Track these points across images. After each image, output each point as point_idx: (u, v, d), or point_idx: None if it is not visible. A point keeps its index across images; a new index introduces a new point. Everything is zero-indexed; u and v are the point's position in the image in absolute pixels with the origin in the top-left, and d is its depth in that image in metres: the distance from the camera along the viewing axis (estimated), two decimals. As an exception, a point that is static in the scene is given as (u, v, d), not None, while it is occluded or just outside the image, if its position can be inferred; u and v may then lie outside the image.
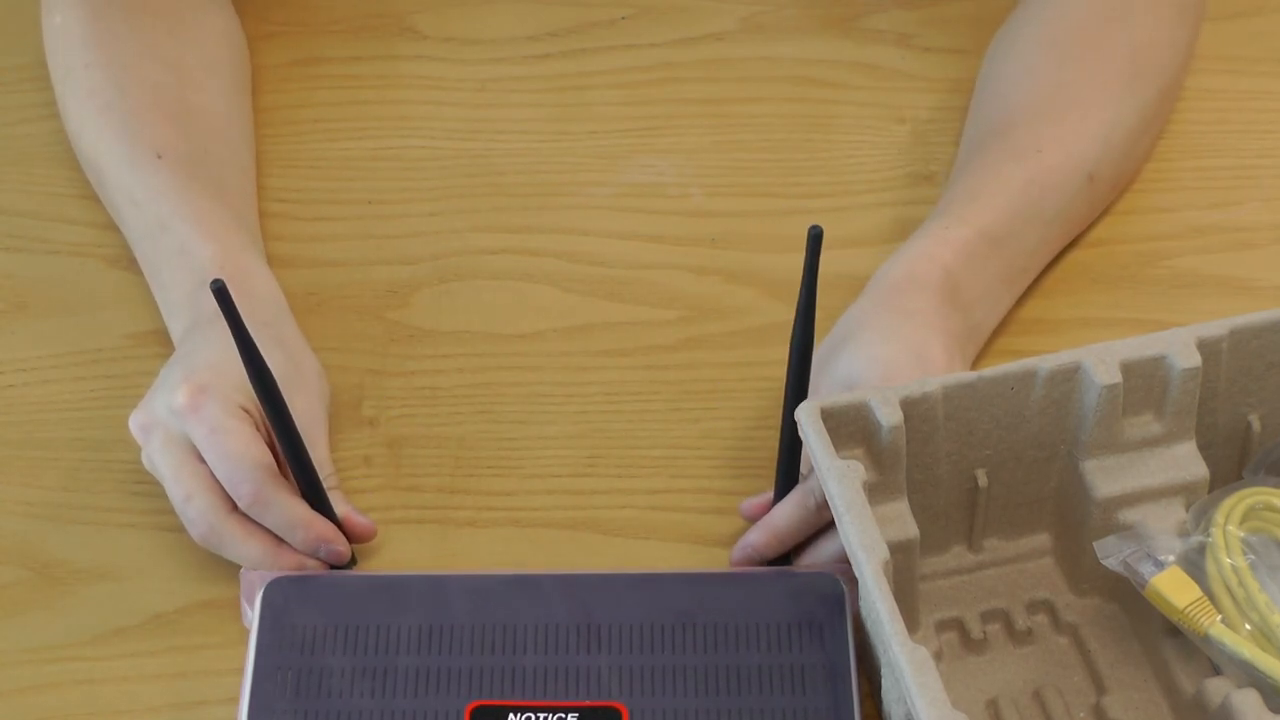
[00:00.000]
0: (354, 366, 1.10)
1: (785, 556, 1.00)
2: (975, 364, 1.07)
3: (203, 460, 0.99)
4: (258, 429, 0.99)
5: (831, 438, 0.90)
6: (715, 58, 1.26)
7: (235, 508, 0.99)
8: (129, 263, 1.13)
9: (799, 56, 1.25)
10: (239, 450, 0.98)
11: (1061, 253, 1.13)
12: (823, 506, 0.97)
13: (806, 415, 0.90)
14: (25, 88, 1.24)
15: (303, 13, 1.28)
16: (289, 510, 0.99)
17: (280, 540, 0.99)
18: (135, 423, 1.00)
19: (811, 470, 0.99)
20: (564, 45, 1.26)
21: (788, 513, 0.98)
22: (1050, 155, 1.10)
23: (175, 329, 1.07)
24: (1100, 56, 1.14)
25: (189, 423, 0.98)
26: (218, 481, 0.99)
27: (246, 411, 0.99)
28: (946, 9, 1.27)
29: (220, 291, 0.91)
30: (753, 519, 1.01)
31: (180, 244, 1.07)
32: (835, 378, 0.99)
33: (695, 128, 1.22)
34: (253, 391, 0.97)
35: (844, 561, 0.97)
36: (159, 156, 1.11)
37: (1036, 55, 1.15)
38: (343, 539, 1.00)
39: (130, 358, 1.11)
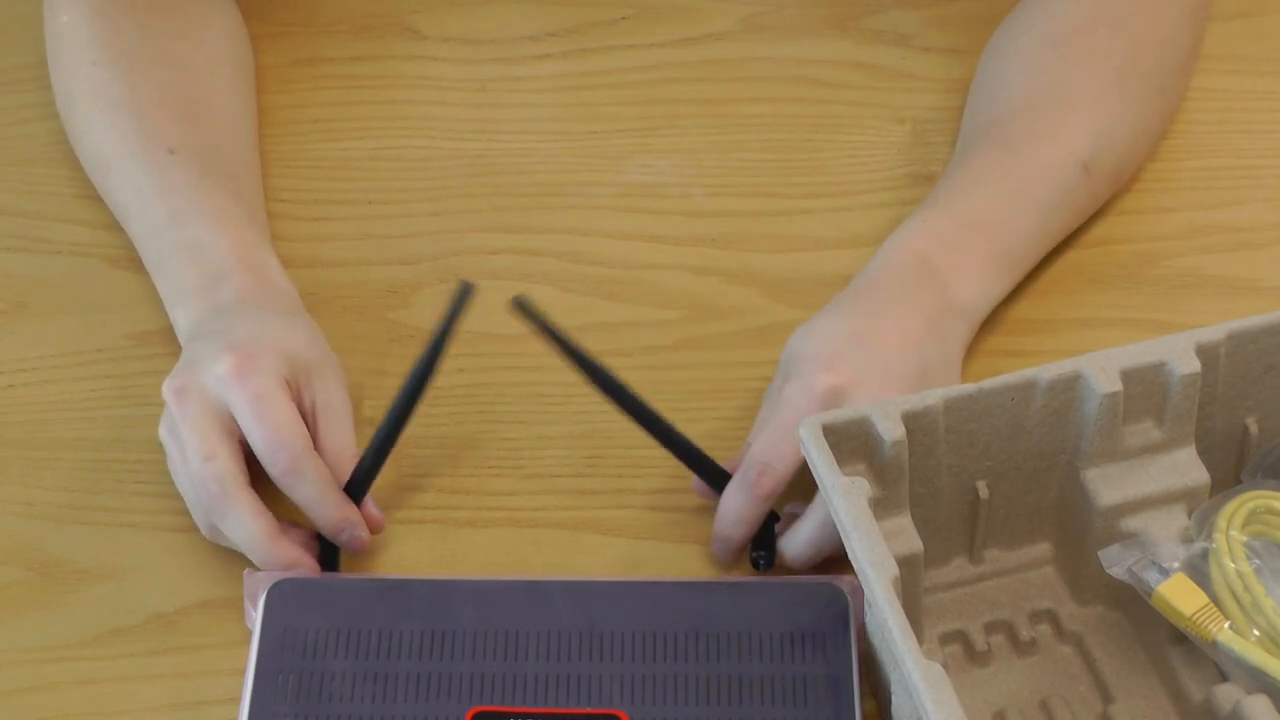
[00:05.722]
0: (354, 366, 1.10)
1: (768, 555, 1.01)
2: (973, 355, 1.07)
3: (231, 434, 0.99)
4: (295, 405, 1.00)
5: (834, 454, 0.90)
6: (715, 58, 1.26)
7: (248, 484, 0.99)
8: (129, 263, 1.13)
9: (799, 56, 1.25)
10: (282, 420, 0.98)
11: (1061, 253, 1.13)
12: (761, 475, 0.98)
13: (809, 432, 0.90)
14: (25, 88, 1.24)
15: (304, 13, 1.28)
16: (321, 485, 0.99)
17: (281, 530, 0.99)
18: (171, 386, 1.00)
19: (745, 446, 1.01)
20: (564, 45, 1.26)
21: (732, 500, 1.00)
22: (1041, 147, 1.10)
23: (181, 319, 1.07)
24: (1097, 54, 1.14)
25: (231, 388, 0.98)
26: (241, 455, 0.99)
27: (288, 385, 1.00)
28: (946, 9, 1.26)
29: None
30: (705, 493, 1.03)
31: (194, 238, 1.07)
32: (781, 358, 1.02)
33: (695, 128, 1.22)
34: (293, 366, 1.00)
35: (818, 544, 0.98)
36: (171, 152, 1.11)
37: (1033, 54, 1.16)
38: (365, 526, 1.00)
39: (130, 358, 1.11)
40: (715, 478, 1.01)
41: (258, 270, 1.07)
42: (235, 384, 0.98)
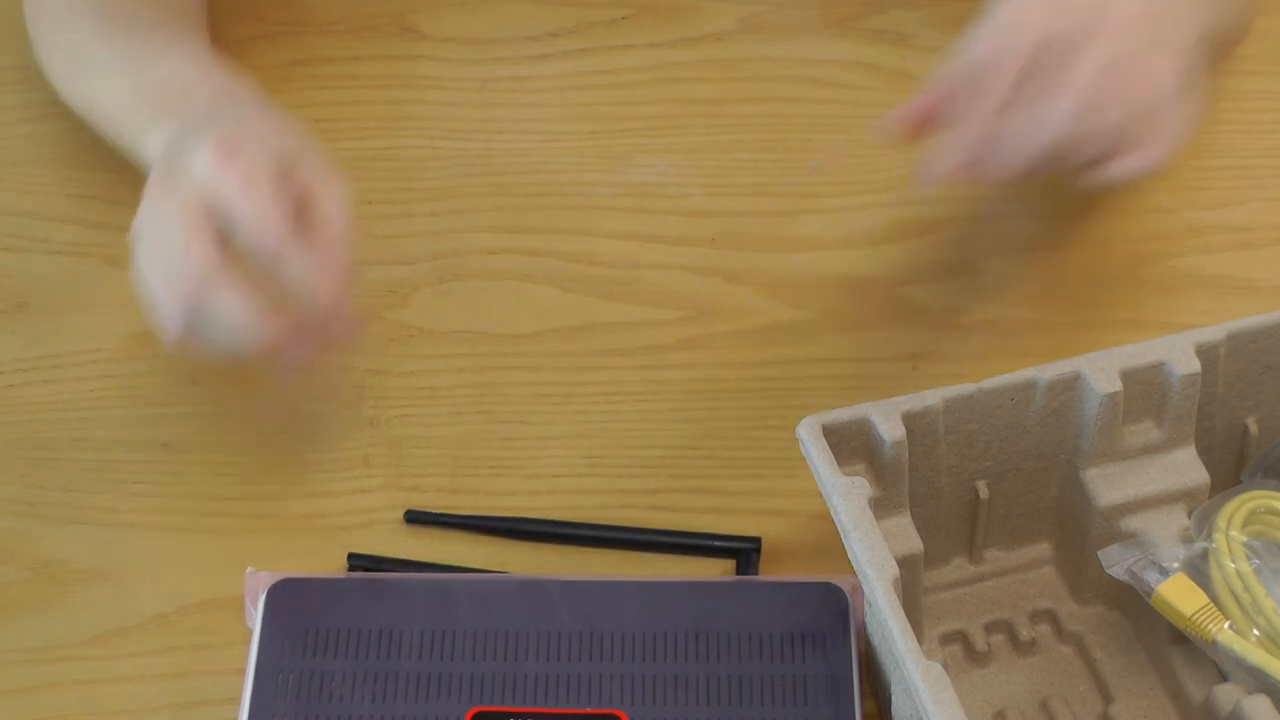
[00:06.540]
0: (354, 366, 1.10)
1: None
2: (973, 355, 1.08)
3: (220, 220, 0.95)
4: None
5: (834, 454, 0.90)
6: (715, 58, 1.26)
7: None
8: (129, 263, 1.13)
9: (799, 56, 1.25)
10: (269, 204, 0.94)
11: (1061, 253, 1.13)
12: (985, 69, 0.97)
13: (808, 431, 0.90)
14: (25, 88, 1.23)
15: (303, 13, 1.28)
16: (312, 261, 0.95)
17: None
18: (154, 181, 0.97)
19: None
20: (564, 45, 1.26)
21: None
22: None
23: (152, 145, 1.04)
24: None
25: (220, 175, 0.95)
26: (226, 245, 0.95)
27: (277, 172, 0.97)
28: (946, 9, 1.26)
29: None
30: (917, 119, 1.00)
31: (162, 76, 1.07)
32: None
33: (695, 128, 1.22)
34: (280, 152, 0.97)
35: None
36: (131, 28, 1.12)
37: None
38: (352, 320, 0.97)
39: (130, 358, 1.11)
40: (709, 550, 1.02)
41: (228, 85, 1.06)
42: (224, 171, 0.95)
